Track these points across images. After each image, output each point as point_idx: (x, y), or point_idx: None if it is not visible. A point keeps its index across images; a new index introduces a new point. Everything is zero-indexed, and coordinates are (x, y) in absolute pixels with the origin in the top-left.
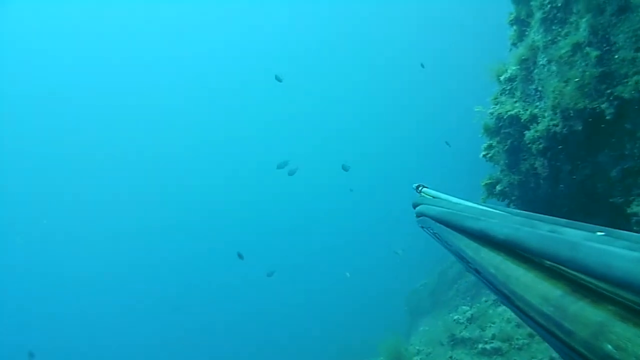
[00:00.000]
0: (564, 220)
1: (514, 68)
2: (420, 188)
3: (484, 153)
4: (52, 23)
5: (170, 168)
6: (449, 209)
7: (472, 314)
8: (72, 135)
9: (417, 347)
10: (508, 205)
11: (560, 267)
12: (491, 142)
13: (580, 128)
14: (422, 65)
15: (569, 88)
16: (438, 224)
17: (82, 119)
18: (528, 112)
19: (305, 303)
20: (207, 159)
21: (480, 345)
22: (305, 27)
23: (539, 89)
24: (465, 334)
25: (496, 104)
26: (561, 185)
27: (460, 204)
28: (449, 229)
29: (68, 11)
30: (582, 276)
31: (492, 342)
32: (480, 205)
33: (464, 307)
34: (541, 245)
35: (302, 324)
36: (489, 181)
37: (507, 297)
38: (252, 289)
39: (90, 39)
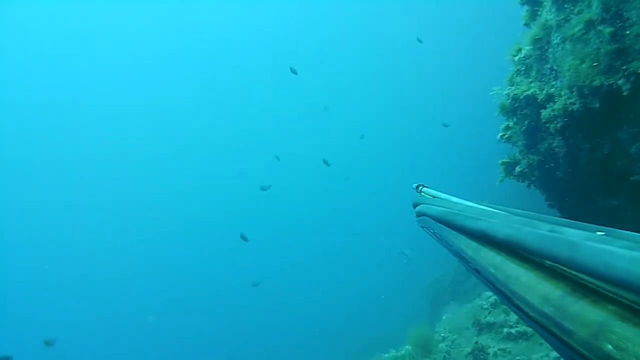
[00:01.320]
0: (564, 220)
1: (528, 48)
2: (420, 188)
3: (501, 134)
4: (48, 22)
5: (168, 169)
6: (449, 208)
7: (495, 299)
8: (71, 135)
9: (442, 334)
10: (528, 187)
11: (561, 267)
12: (508, 123)
13: (597, 105)
14: (419, 40)
15: (584, 66)
16: (438, 224)
17: (80, 118)
18: (544, 92)
19: (322, 301)
20: (210, 159)
21: (505, 330)
22: (308, 25)
23: (554, 68)
24: (490, 319)
25: (512, 85)
26: (581, 164)
27: (460, 203)
28: (449, 229)
29: (64, 11)
30: (582, 276)
31: (517, 326)
32: (480, 205)
33: (487, 292)
34: (541, 245)
35: (322, 321)
36: (508, 160)
37: (507, 297)
38: (259, 291)
39: (85, 38)
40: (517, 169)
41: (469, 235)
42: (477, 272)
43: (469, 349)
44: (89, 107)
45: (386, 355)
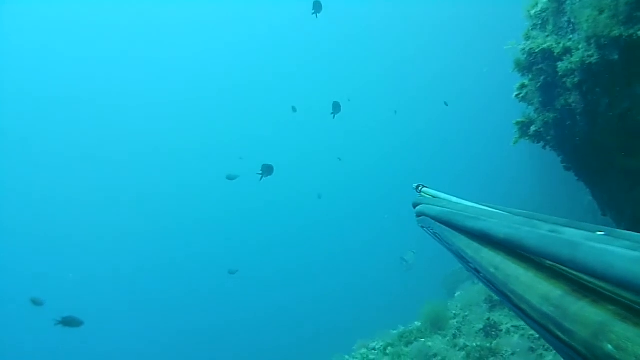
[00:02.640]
0: (564, 220)
1: (544, 1)
2: (420, 188)
3: (516, 93)
4: (42, 21)
5: (165, 169)
6: (449, 208)
7: None
8: (70, 135)
9: (454, 311)
10: (544, 147)
11: (561, 266)
12: (524, 81)
13: (616, 57)
14: (446, 104)
15: (603, 16)
16: (438, 224)
17: (80, 118)
18: (561, 45)
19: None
20: (207, 160)
21: None
22: (310, 24)
23: (572, 20)
24: None
25: (527, 39)
26: (599, 121)
27: (460, 203)
28: (449, 229)
29: (58, 10)
30: (582, 276)
31: None
32: (480, 205)
33: None
34: (541, 245)
35: (334, 314)
36: (522, 120)
37: (507, 297)
38: (262, 288)
39: (77, 37)
40: (532, 128)
41: (469, 235)
42: (477, 271)
43: (480, 326)
44: (86, 107)
45: (394, 331)
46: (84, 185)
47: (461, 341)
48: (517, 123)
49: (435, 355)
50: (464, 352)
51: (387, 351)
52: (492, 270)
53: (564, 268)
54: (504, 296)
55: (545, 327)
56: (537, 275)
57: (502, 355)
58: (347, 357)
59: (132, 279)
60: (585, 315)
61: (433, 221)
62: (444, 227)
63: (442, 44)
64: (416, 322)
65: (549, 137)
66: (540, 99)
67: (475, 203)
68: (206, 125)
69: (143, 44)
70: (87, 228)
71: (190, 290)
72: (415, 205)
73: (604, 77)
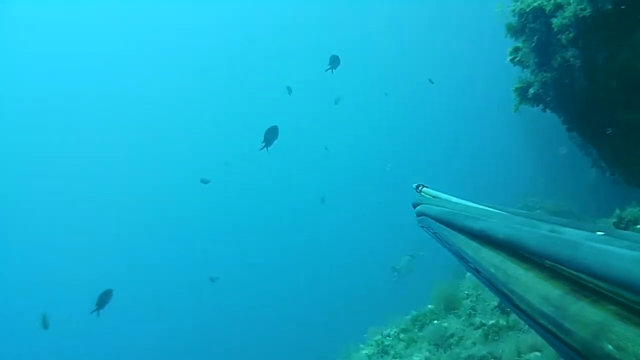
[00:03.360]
0: (564, 219)
1: None
2: (420, 188)
3: (510, 57)
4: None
5: (166, 168)
6: (449, 208)
7: None
8: (67, 135)
9: (466, 292)
10: (544, 110)
11: (561, 266)
12: (517, 44)
13: (609, 7)
14: (431, 81)
15: None
16: (438, 224)
17: (78, 118)
18: (552, 2)
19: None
20: (207, 159)
21: None
22: (310, 23)
23: None
24: None
25: (516, 1)
26: (598, 76)
27: (460, 203)
28: (449, 229)
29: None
30: (582, 276)
31: None
32: (480, 205)
33: None
34: (541, 245)
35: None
36: (520, 85)
37: (507, 297)
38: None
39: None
40: (531, 91)
41: (469, 235)
42: (477, 271)
43: (495, 303)
44: (83, 106)
45: (407, 316)
46: (77, 186)
47: (477, 320)
48: (516, 89)
49: (451, 335)
50: (480, 330)
51: (401, 337)
52: (492, 270)
53: (564, 268)
54: (504, 296)
55: (545, 327)
56: (537, 275)
57: (519, 330)
58: (361, 345)
59: (131, 279)
60: (585, 315)
61: (433, 221)
62: (443, 227)
63: (442, 43)
64: (429, 305)
65: (548, 98)
66: (535, 60)
67: (475, 203)
68: (202, 125)
69: (138, 44)
70: (80, 229)
71: (203, 287)
72: (415, 205)
73: (599, 29)
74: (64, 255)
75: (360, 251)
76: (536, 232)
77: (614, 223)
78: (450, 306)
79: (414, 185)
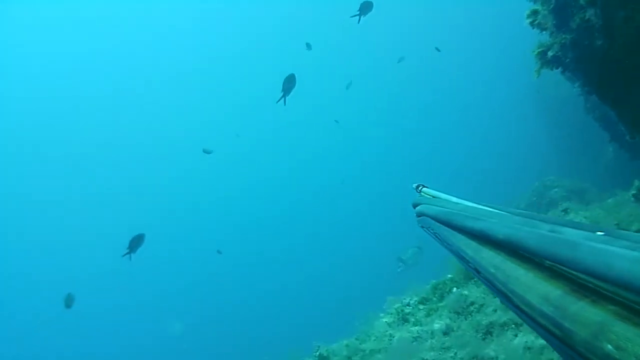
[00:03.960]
0: (564, 219)
1: None
2: (420, 188)
3: (529, 20)
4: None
5: (159, 167)
6: (449, 208)
7: None
8: (67, 135)
9: None
10: (563, 72)
11: (560, 266)
12: (535, 7)
13: None
14: (438, 49)
15: None
16: (438, 224)
17: (78, 118)
18: None
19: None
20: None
21: None
22: (310, 22)
23: None
24: None
25: None
26: (617, 36)
27: (460, 203)
28: (449, 229)
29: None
30: (582, 276)
31: None
32: (480, 205)
33: None
34: (541, 245)
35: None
36: (540, 49)
37: (507, 297)
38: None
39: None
40: (550, 53)
41: (469, 235)
42: (477, 271)
43: None
44: (82, 106)
45: (427, 286)
46: (77, 186)
47: None
48: (537, 54)
49: (472, 303)
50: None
51: (421, 307)
52: (491, 270)
53: (563, 268)
54: (503, 296)
55: (545, 327)
56: (537, 275)
57: None
58: (381, 314)
59: (131, 279)
60: (585, 315)
61: (433, 221)
62: (443, 227)
63: (441, 43)
64: (448, 274)
65: (567, 60)
66: (554, 22)
67: (475, 203)
68: (204, 123)
69: (136, 44)
70: (79, 227)
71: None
72: (415, 205)
73: None
74: (64, 256)
75: (368, 242)
76: (536, 232)
77: (634, 195)
78: (469, 275)
79: (414, 185)
